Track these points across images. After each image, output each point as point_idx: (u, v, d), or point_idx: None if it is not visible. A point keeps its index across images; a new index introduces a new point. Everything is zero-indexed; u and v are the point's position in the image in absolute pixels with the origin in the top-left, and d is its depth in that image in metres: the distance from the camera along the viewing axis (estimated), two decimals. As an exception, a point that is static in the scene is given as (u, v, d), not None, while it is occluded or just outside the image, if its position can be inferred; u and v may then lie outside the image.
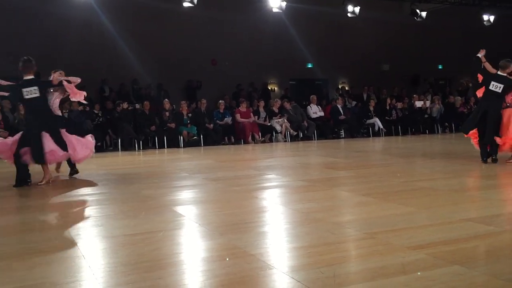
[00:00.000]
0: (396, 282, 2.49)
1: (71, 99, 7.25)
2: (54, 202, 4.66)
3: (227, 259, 2.95)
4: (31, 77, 6.32)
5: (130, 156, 11.25)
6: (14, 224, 4.33)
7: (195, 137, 13.43)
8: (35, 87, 6.21)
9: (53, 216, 4.43)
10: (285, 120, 14.41)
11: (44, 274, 2.81)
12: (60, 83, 6.47)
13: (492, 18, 17.40)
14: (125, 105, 13.04)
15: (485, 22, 17.45)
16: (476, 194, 5.24)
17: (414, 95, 16.74)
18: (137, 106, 13.79)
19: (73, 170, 7.31)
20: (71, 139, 6.74)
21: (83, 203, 5.25)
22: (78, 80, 6.68)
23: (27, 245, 3.57)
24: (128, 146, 12.76)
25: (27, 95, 6.18)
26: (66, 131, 6.84)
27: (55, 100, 6.87)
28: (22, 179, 6.23)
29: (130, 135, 12.84)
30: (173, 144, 13.14)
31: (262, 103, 14.84)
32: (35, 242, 3.63)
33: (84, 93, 6.76)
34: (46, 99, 6.59)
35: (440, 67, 20.27)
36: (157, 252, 3.17)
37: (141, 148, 12.79)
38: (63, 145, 6.47)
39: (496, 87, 7.09)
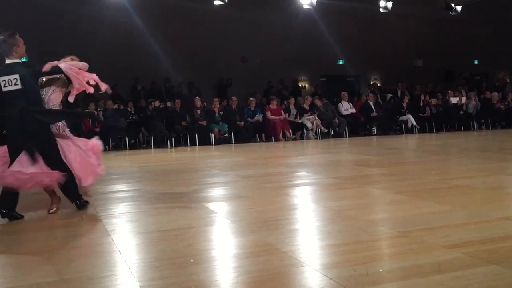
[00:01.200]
0: (431, 281, 2.44)
1: (79, 92, 4.91)
2: (88, 198, 4.77)
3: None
4: (16, 61, 4.34)
5: (162, 153, 11.41)
6: (51, 218, 4.45)
7: (226, 135, 13.51)
8: (16, 76, 4.22)
9: (88, 211, 4.54)
10: (316, 117, 14.31)
11: (81, 268, 2.89)
12: (57, 71, 4.47)
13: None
14: (156, 103, 13.23)
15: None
16: (514, 192, 5.09)
17: (449, 91, 16.35)
18: (169, 104, 13.96)
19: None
20: (76, 152, 4.66)
21: (117, 199, 5.36)
22: (85, 65, 4.72)
23: (64, 240, 3.68)
24: (160, 144, 12.94)
25: (4, 86, 4.25)
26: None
27: (51, 95, 4.67)
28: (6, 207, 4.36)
29: (162, 133, 13.02)
30: (205, 141, 13.25)
31: (292, 100, 14.78)
32: (72, 237, 3.73)
33: (105, 85, 4.86)
34: (35, 94, 4.40)
35: (475, 62, 19.71)
36: (191, 248, 3.21)
37: (173, 146, 12.95)
38: (57, 163, 4.40)
39: None
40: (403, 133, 14.91)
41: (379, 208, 4.45)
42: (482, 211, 3.94)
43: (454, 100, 15.88)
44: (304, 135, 14.30)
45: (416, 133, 14.86)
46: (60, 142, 4.56)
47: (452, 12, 16.19)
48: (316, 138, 14.15)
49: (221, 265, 2.92)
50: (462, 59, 18.69)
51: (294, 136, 14.16)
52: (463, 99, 16.04)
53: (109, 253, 3.18)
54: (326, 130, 14.43)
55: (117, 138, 12.90)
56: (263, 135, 14.11)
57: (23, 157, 4.18)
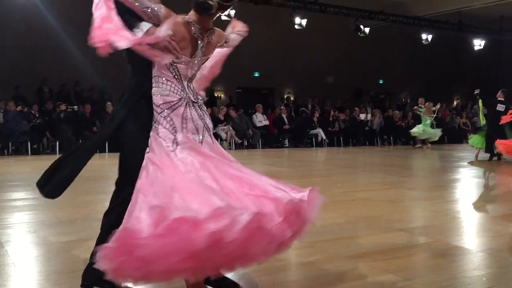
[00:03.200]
0: (334, 290, 2.54)
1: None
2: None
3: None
4: None
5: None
6: None
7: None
8: None
9: (-18, 221, 4.18)
10: (230, 128, 14.43)
11: (-31, 283, 2.65)
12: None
13: (430, 37, 18.29)
14: (63, 107, 12.57)
15: (423, 41, 18.31)
16: (412, 205, 5.46)
17: (356, 108, 17.29)
18: (75, 108, 13.28)
19: None
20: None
21: (14, 208, 5.00)
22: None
23: (-49, 252, 3.35)
24: (67, 149, 12.31)
25: None
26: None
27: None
28: None
29: (69, 138, 12.39)
30: (115, 148, 12.79)
31: (208, 111, 14.78)
32: (-40, 249, 3.41)
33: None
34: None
35: (381, 81, 21.04)
36: (94, 260, 3.06)
37: (80, 152, 12.35)
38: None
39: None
40: (313, 146, 15.47)
41: (287, 219, 4.55)
42: (382, 223, 4.17)
43: (362, 116, 16.83)
44: (218, 145, 14.33)
45: (325, 146, 15.49)
46: None
47: (361, 34, 17.15)
48: (230, 149, 14.24)
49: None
50: (369, 78, 19.87)
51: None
52: (369, 116, 17.06)
53: (2, 266, 2.94)
54: (240, 141, 14.58)
55: (18, 142, 12.08)
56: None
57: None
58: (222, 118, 14.75)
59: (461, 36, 19.46)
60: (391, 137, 17.13)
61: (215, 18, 2.33)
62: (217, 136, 14.29)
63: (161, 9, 2.14)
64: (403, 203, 5.39)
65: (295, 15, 15.83)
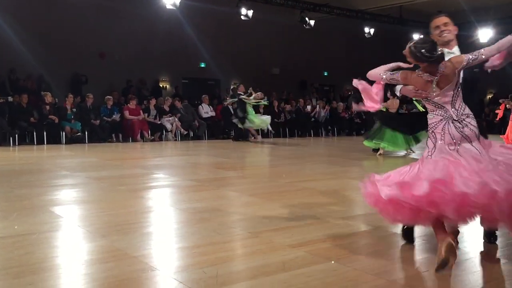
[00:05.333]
0: (277, 279, 2.57)
1: None
2: None
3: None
4: None
5: (2, 152, 10.31)
6: None
7: (79, 134, 12.72)
8: None
9: None
10: (176, 119, 14.24)
11: None
12: None
13: (372, 30, 18.80)
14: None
15: (366, 34, 18.79)
16: (352, 194, 5.61)
17: (301, 99, 17.54)
18: (10, 99, 12.60)
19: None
20: None
21: None
22: None
23: None
24: (1, 141, 11.70)
25: None
26: None
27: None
28: None
29: (3, 129, 11.78)
30: (54, 140, 12.31)
31: (153, 101, 14.50)
32: None
33: None
34: None
35: (325, 73, 21.43)
36: (30, 256, 2.94)
37: (16, 144, 11.79)
38: None
39: None
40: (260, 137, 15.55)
41: (233, 210, 4.56)
42: (324, 212, 4.26)
43: (309, 107, 17.11)
44: (163, 136, 14.12)
45: (271, 137, 15.61)
46: None
47: (306, 26, 17.36)
48: (176, 140, 14.06)
49: (65, 273, 2.72)
50: (314, 70, 20.20)
51: (153, 137, 13.90)
52: (317, 107, 17.36)
53: None
54: (186, 132, 14.42)
55: None
56: (120, 135, 13.61)
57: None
58: (167, 109, 14.52)
59: (402, 30, 20.14)
60: (335, 128, 17.53)
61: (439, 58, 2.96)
62: (162, 127, 14.07)
63: (399, 75, 3.13)
64: (346, 192, 5.53)
65: (241, 6, 15.78)
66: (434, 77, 2.97)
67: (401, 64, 3.23)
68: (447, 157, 2.92)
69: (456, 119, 2.99)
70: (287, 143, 14.28)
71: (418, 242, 3.35)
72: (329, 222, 3.90)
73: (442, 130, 2.99)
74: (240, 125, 13.44)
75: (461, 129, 2.97)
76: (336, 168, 7.71)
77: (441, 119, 3.02)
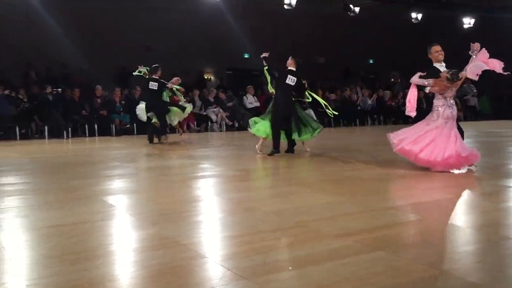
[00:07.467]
0: (324, 268, 2.56)
1: None
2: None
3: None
4: None
5: (57, 144, 10.76)
6: None
7: (128, 125, 13.09)
8: None
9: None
10: (221, 110, 14.37)
11: (-41, 269, 2.63)
12: None
13: (419, 16, 18.24)
14: (48, 89, 12.40)
15: (413, 20, 18.25)
16: (399, 183, 5.50)
17: (346, 88, 17.27)
18: (59, 90, 12.97)
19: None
20: None
21: (4, 193, 4.96)
22: None
23: None
24: (56, 134, 12.20)
25: None
26: None
27: None
28: None
29: (58, 122, 12.28)
30: (105, 132, 12.72)
31: (197, 92, 14.70)
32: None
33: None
34: None
35: (370, 61, 21.00)
36: (84, 244, 3.07)
37: (70, 136, 12.26)
38: None
39: None
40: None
41: (278, 200, 4.57)
42: (371, 202, 4.20)
43: (354, 97, 16.86)
44: (209, 127, 14.30)
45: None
46: None
47: (350, 13, 17.05)
48: (221, 131, 14.21)
49: (117, 260, 2.82)
50: (359, 58, 19.82)
51: (199, 128, 14.10)
52: (360, 96, 17.08)
53: (-8, 251, 2.93)
54: (231, 123, 14.54)
55: (6, 127, 11.96)
56: (167, 127, 13.87)
57: None
58: (212, 100, 14.68)
59: (450, 14, 19.42)
60: (381, 117, 17.19)
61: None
62: (207, 118, 14.25)
63: (431, 81, 5.53)
64: (390, 182, 5.42)
65: (284, -5, 15.68)
66: (452, 86, 5.52)
67: (420, 73, 5.72)
68: (442, 126, 5.57)
69: (449, 105, 5.62)
70: (333, 131, 14.13)
71: (469, 232, 3.25)
72: (374, 211, 3.84)
73: (443, 111, 5.57)
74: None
75: (453, 112, 5.64)
76: (381, 157, 7.55)
77: (443, 104, 5.58)
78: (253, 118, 7.96)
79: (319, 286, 2.34)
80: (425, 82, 5.56)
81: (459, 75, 5.45)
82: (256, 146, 7.78)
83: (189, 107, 10.75)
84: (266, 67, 7.87)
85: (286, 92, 7.60)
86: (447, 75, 5.39)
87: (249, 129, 7.83)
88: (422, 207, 4.02)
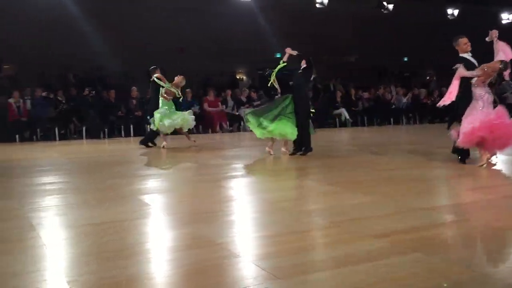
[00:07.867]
0: (360, 269, 2.53)
1: None
2: (14, 190, 4.53)
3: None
4: None
5: (94, 145, 11.02)
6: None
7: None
8: None
9: (13, 204, 4.30)
10: (253, 110, 14.40)
11: (5, 264, 2.73)
12: None
13: (456, 12, 17.80)
14: (86, 92, 12.72)
15: (449, 16, 17.83)
16: (437, 184, 5.37)
17: (380, 87, 17.02)
18: (93, 92, 13.16)
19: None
20: None
21: (44, 192, 5.11)
22: None
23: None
24: (93, 134, 12.50)
25: None
26: None
27: None
28: None
29: (95, 123, 12.58)
30: (140, 132, 12.95)
31: (229, 92, 14.78)
32: (-6, 232, 3.52)
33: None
34: None
35: (405, 59, 20.62)
36: (121, 242, 3.12)
37: (106, 136, 12.54)
38: None
39: None
40: (336, 126, 15.33)
41: (312, 200, 4.55)
42: (407, 202, 4.13)
43: (387, 95, 16.59)
44: (241, 127, 14.35)
45: (349, 126, 15.33)
46: None
47: (384, 10, 16.79)
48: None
49: (153, 259, 2.86)
50: (393, 56, 19.49)
51: (231, 128, 14.17)
52: (395, 95, 16.79)
53: (34, 248, 3.02)
54: (263, 122, 14.54)
55: (45, 128, 12.33)
56: (200, 127, 14.01)
57: None
58: (244, 100, 14.72)
59: (487, 10, 18.86)
60: (417, 116, 16.85)
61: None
62: (240, 118, 14.30)
63: (479, 71, 5.91)
64: (429, 182, 5.30)
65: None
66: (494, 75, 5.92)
67: (461, 65, 6.02)
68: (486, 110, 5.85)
69: (489, 92, 5.94)
70: (366, 131, 13.95)
71: (509, 234, 3.14)
72: (412, 212, 3.76)
73: (487, 98, 5.89)
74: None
75: (490, 97, 5.91)
76: (418, 158, 7.41)
77: (485, 92, 5.90)
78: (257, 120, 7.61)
79: (355, 287, 2.31)
80: (473, 73, 5.91)
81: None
82: (282, 148, 7.75)
83: (187, 115, 9.96)
84: (284, 64, 8.41)
85: (300, 91, 7.83)
86: (500, 66, 5.85)
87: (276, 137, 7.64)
88: (461, 208, 3.92)
